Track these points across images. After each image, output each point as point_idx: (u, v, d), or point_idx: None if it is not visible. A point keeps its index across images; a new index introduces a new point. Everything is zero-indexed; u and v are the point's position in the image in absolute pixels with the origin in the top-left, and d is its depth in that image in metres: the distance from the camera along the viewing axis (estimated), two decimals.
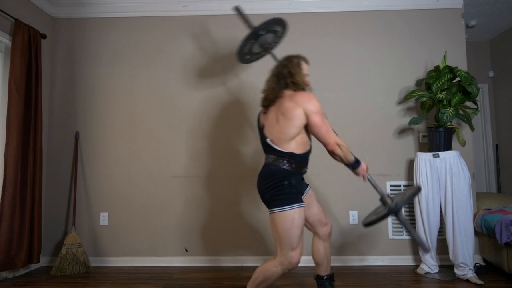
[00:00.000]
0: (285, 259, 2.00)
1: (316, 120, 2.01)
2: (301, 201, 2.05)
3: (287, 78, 2.12)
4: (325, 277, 2.29)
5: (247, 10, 3.61)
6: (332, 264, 3.35)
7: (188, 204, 3.54)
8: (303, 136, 2.10)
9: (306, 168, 2.17)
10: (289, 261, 2.00)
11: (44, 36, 3.41)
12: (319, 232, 2.27)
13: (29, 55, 3.20)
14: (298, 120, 2.01)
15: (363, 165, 2.18)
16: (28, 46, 3.19)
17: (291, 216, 1.97)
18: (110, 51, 3.71)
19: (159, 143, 3.60)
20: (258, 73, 3.61)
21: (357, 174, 2.20)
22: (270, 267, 2.04)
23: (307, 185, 2.26)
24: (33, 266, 3.39)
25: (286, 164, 2.04)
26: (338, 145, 2.05)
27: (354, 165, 2.15)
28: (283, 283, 2.90)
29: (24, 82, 3.12)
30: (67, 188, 3.61)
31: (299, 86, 2.12)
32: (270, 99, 2.14)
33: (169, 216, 3.54)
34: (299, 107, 2.00)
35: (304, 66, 2.20)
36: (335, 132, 2.13)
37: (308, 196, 2.24)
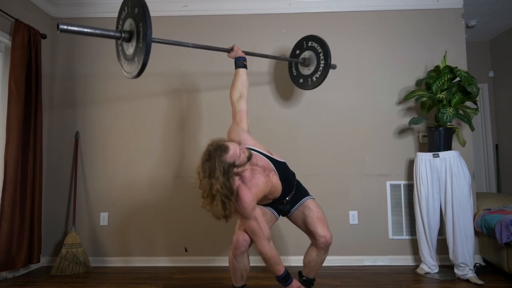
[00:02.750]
0: None
1: (242, 223, 2.08)
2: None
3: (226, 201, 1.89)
4: (304, 278, 2.39)
5: (247, 10, 3.66)
6: (332, 264, 3.37)
7: (188, 204, 3.53)
8: (263, 199, 2.16)
9: (284, 199, 2.27)
10: (233, 239, 2.17)
11: (44, 36, 3.41)
12: (310, 240, 2.35)
13: (29, 55, 3.20)
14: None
15: (294, 285, 2.13)
16: (28, 46, 3.19)
17: None
18: (110, 51, 3.69)
19: (159, 142, 3.60)
20: (259, 73, 3.61)
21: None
22: (228, 256, 2.23)
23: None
24: (33, 266, 3.39)
25: None
26: (259, 250, 2.08)
27: (280, 280, 2.11)
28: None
29: (24, 82, 3.12)
30: (67, 188, 3.61)
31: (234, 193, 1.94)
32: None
33: (169, 216, 3.54)
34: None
35: (231, 157, 1.89)
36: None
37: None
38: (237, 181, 1.97)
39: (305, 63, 3.15)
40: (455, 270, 2.97)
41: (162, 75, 3.65)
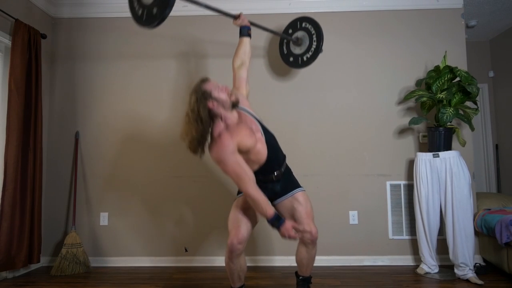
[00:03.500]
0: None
1: (225, 170, 2.02)
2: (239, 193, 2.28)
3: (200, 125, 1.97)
4: (300, 277, 2.38)
5: (247, 10, 3.62)
6: (332, 264, 3.38)
7: (188, 204, 3.54)
8: (246, 160, 2.09)
9: (271, 174, 2.20)
10: (227, 242, 2.14)
11: (44, 36, 3.41)
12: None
13: (29, 55, 3.20)
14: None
15: (287, 226, 2.01)
16: (28, 46, 3.19)
17: (233, 204, 2.26)
18: (110, 51, 3.71)
19: (159, 142, 3.60)
20: (260, 72, 3.62)
21: (282, 235, 2.04)
22: (224, 259, 2.21)
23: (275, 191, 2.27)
24: (33, 266, 3.39)
25: None
26: (245, 193, 2.03)
27: (273, 221, 2.01)
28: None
29: (24, 82, 3.12)
30: (67, 188, 3.61)
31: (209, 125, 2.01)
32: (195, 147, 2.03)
33: (169, 216, 3.54)
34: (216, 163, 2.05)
35: (209, 87, 2.01)
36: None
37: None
38: (220, 126, 2.03)
39: (297, 43, 3.25)
40: (455, 270, 2.97)
41: (161, 76, 3.65)
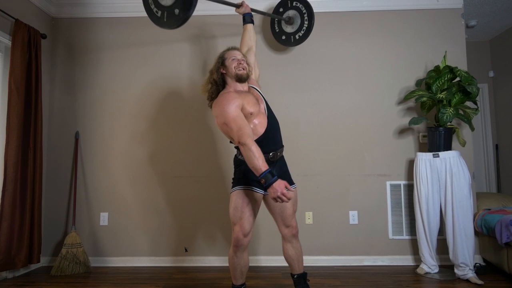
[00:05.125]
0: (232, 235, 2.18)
1: (226, 121, 2.06)
2: (241, 184, 2.20)
3: (213, 85, 2.28)
4: (295, 276, 2.37)
5: None
6: (332, 264, 3.38)
7: (188, 204, 3.54)
8: None
9: (267, 154, 2.13)
10: (233, 236, 2.16)
11: (44, 36, 3.41)
12: (280, 231, 2.33)
13: (29, 55, 3.20)
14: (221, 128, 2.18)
15: (280, 183, 1.91)
16: (28, 46, 3.19)
17: (232, 197, 2.22)
18: (110, 51, 3.71)
19: (159, 143, 3.60)
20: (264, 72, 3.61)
21: (273, 194, 1.92)
22: (228, 254, 2.24)
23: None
24: (33, 266, 3.39)
25: (240, 155, 2.24)
26: (242, 144, 1.98)
27: (266, 175, 1.91)
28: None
29: (24, 82, 3.12)
30: (67, 188, 3.61)
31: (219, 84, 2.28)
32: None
33: (169, 216, 3.54)
34: (216, 118, 2.16)
35: (228, 55, 2.27)
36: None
37: None
38: (229, 90, 2.22)
39: (289, 22, 3.32)
40: (455, 270, 2.98)
41: (161, 76, 3.66)
